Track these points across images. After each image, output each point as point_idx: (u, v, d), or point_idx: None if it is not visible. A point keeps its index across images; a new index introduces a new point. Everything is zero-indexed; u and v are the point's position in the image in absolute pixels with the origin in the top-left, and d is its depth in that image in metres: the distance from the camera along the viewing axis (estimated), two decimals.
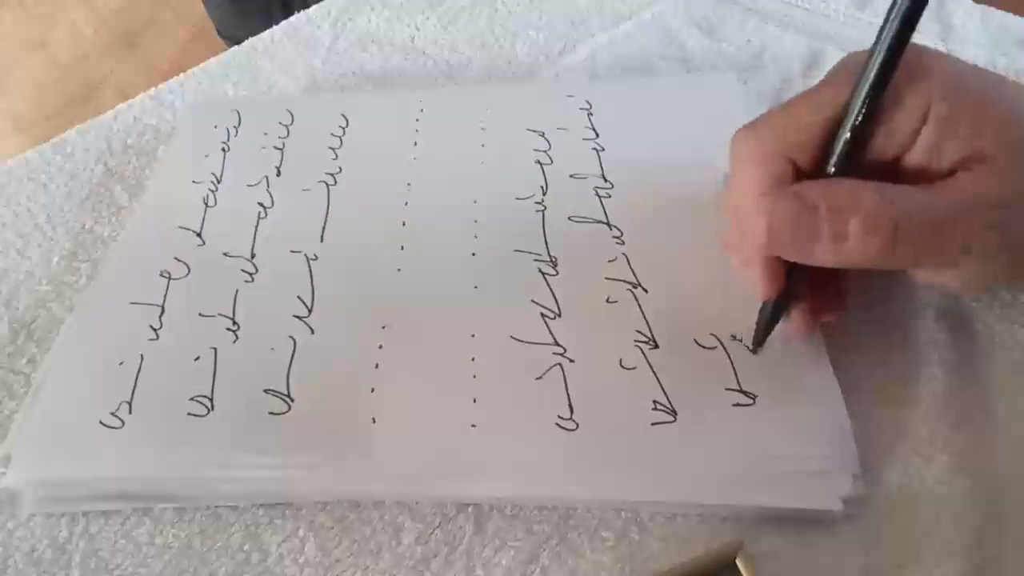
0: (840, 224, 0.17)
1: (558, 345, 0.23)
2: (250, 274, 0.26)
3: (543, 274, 0.25)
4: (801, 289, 0.21)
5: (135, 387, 0.23)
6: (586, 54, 0.35)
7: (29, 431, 0.23)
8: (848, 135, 0.18)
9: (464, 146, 0.30)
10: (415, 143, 0.31)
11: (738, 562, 0.18)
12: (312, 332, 0.24)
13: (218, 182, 0.30)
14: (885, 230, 0.17)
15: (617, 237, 0.26)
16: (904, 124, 0.18)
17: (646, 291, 0.24)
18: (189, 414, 0.22)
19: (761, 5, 0.36)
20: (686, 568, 0.19)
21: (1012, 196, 0.17)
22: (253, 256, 0.27)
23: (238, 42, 0.38)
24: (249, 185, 0.29)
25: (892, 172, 0.19)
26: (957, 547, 0.19)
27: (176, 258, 0.27)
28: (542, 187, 0.28)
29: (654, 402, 0.21)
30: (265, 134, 0.31)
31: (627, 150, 0.29)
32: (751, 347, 0.22)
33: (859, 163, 0.19)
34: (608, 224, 0.27)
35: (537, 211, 0.27)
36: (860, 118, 0.18)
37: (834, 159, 0.19)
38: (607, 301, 0.24)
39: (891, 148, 0.18)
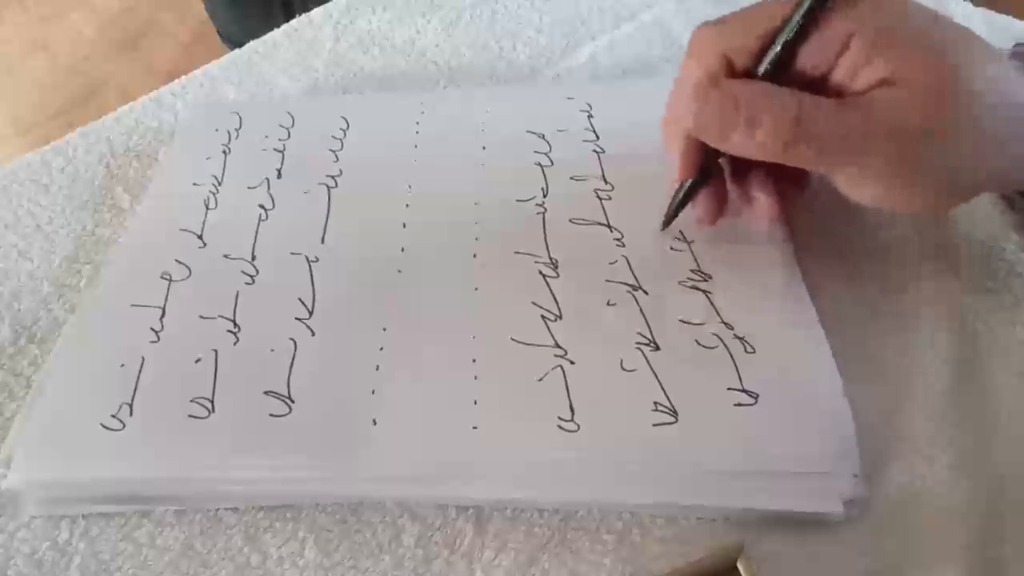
0: (753, 116, 0.20)
1: (559, 347, 0.23)
2: (251, 276, 0.26)
3: (544, 276, 0.25)
4: (714, 177, 0.24)
5: (136, 389, 0.23)
6: (587, 56, 0.35)
7: (30, 433, 0.23)
8: (779, 47, 0.21)
9: (464, 148, 0.30)
10: (415, 145, 0.31)
11: (739, 565, 0.18)
12: (313, 334, 0.24)
13: (219, 184, 0.30)
14: (789, 125, 0.19)
15: (618, 239, 0.26)
16: (829, 45, 0.20)
17: (646, 293, 0.24)
18: (190, 416, 0.22)
19: None
20: (687, 570, 0.19)
21: (917, 122, 0.19)
22: (254, 258, 0.27)
23: (239, 44, 0.38)
24: (250, 187, 0.30)
25: (818, 89, 0.20)
26: (958, 548, 0.19)
27: (177, 260, 0.27)
28: (543, 189, 0.28)
29: (655, 403, 0.21)
30: (266, 136, 0.32)
31: (627, 152, 0.29)
32: (661, 228, 0.26)
33: (788, 75, 0.21)
34: (609, 226, 0.27)
35: (538, 213, 0.27)
36: (792, 35, 0.20)
37: (764, 66, 0.21)
38: (608, 303, 0.24)
39: (818, 66, 0.21)
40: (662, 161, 0.28)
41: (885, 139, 0.19)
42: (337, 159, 0.30)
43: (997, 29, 0.33)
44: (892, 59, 0.19)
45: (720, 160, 0.24)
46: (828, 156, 0.20)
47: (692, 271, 0.25)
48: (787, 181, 0.24)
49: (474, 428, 0.21)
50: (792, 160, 0.20)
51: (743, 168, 0.24)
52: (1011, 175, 0.21)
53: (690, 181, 0.24)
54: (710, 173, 0.24)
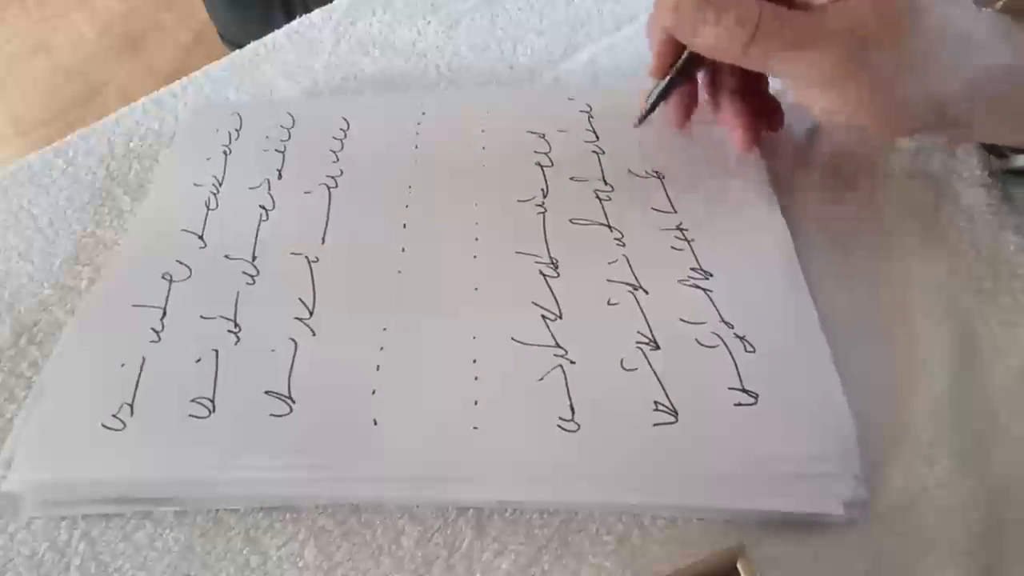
0: (719, 15, 0.22)
1: (559, 347, 0.23)
2: (251, 276, 0.26)
3: (544, 276, 0.25)
4: (686, 78, 0.27)
5: (136, 389, 0.23)
6: (587, 58, 0.35)
7: (30, 434, 0.23)
8: None
9: (465, 148, 0.30)
10: (416, 146, 0.31)
11: (739, 566, 0.18)
12: (313, 334, 0.24)
13: (219, 185, 0.30)
14: (749, 24, 0.22)
15: (618, 239, 0.26)
16: None
17: (647, 292, 0.24)
18: (190, 416, 0.22)
19: None
20: (687, 572, 0.19)
21: (865, 30, 0.21)
22: (254, 258, 0.27)
23: (240, 46, 0.38)
24: (250, 188, 0.30)
25: (790, 6, 0.22)
26: (959, 551, 0.19)
27: (178, 260, 0.27)
28: (543, 189, 0.28)
29: (655, 403, 0.21)
30: (267, 137, 0.32)
31: (627, 153, 0.29)
32: (635, 123, 0.28)
33: None
34: (609, 226, 0.27)
35: (538, 213, 0.27)
36: None
37: None
38: (608, 303, 0.24)
39: None
40: (661, 163, 0.29)
41: (834, 43, 0.21)
42: (337, 159, 0.30)
43: None
44: None
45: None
46: (782, 56, 0.22)
47: (692, 270, 0.25)
48: (761, 115, 0.28)
49: (474, 428, 0.21)
50: (751, 61, 0.23)
51: (719, 92, 0.28)
52: (962, 115, 0.22)
53: (667, 80, 0.26)
54: (685, 75, 0.27)
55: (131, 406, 0.23)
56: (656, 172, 0.28)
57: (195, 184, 0.30)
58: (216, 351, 0.24)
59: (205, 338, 0.24)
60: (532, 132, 0.30)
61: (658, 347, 0.23)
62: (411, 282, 0.26)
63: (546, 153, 0.30)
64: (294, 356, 0.24)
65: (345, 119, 0.32)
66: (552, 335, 0.23)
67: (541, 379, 0.22)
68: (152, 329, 0.25)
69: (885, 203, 0.27)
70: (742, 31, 0.22)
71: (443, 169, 0.30)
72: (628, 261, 0.25)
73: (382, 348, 0.24)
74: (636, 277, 0.25)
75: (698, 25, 0.23)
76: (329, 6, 0.40)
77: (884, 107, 0.22)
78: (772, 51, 0.22)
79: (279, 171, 0.30)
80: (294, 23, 0.39)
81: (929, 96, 0.21)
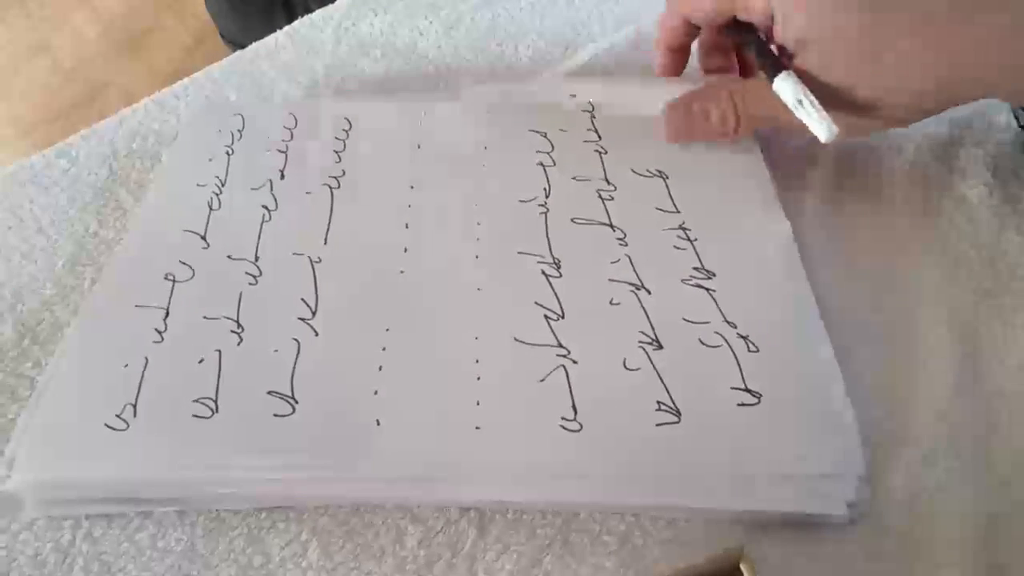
0: (706, 117, 0.27)
1: (561, 347, 0.23)
2: (254, 276, 0.26)
3: (546, 276, 0.25)
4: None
5: (139, 389, 0.23)
6: (588, 58, 0.35)
7: (33, 434, 0.22)
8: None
9: (467, 148, 0.30)
10: (418, 146, 0.31)
11: (741, 567, 0.18)
12: (316, 334, 0.24)
13: (222, 185, 0.30)
14: (731, 115, 0.27)
15: (620, 238, 0.26)
16: (757, 8, 0.25)
17: (649, 292, 0.24)
18: (193, 416, 0.22)
19: None
20: (689, 572, 0.19)
21: (835, 77, 0.23)
22: (257, 259, 0.27)
23: (241, 47, 0.38)
24: (253, 188, 0.30)
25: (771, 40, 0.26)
26: (961, 552, 0.19)
27: (180, 261, 0.27)
28: (545, 189, 0.28)
29: (658, 403, 0.21)
30: (268, 138, 0.32)
31: (630, 152, 0.29)
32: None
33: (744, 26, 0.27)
34: (611, 226, 0.27)
35: (540, 213, 0.27)
36: None
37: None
38: (610, 302, 0.24)
39: (761, 25, 0.26)
40: (663, 162, 0.29)
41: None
42: (340, 160, 0.30)
43: None
44: (802, 21, 0.23)
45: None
46: (763, 123, 0.27)
47: (695, 269, 0.25)
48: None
49: (477, 428, 0.21)
50: (745, 133, 0.27)
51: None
52: (954, 98, 0.24)
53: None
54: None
55: (134, 406, 0.23)
56: (659, 171, 0.28)
57: (198, 184, 0.30)
58: (219, 351, 0.24)
59: (208, 338, 0.24)
60: (534, 131, 0.30)
61: (661, 347, 0.23)
62: (413, 282, 0.26)
63: (548, 152, 0.30)
64: (297, 356, 0.24)
65: (347, 119, 0.32)
66: (554, 335, 0.23)
67: (543, 379, 0.22)
68: (155, 329, 0.25)
69: (887, 203, 0.27)
70: (729, 119, 0.27)
71: (445, 169, 0.30)
72: (631, 260, 0.25)
73: (384, 348, 0.24)
74: (639, 277, 0.25)
75: (690, 132, 0.28)
76: (330, 7, 0.40)
77: (867, 121, 0.24)
78: (754, 124, 0.27)
79: (281, 171, 0.30)
80: (295, 23, 0.39)
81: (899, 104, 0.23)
